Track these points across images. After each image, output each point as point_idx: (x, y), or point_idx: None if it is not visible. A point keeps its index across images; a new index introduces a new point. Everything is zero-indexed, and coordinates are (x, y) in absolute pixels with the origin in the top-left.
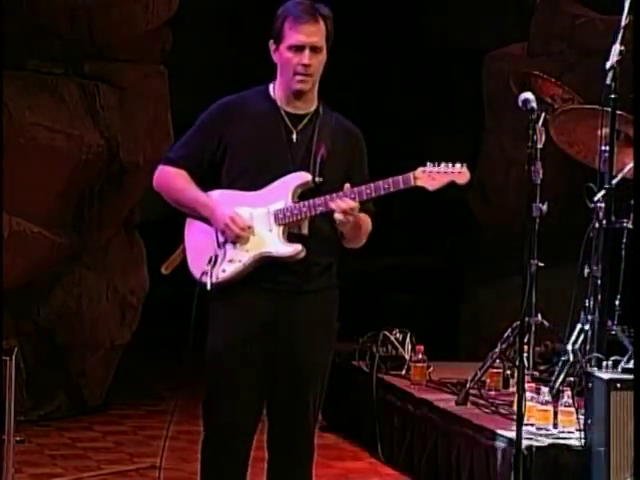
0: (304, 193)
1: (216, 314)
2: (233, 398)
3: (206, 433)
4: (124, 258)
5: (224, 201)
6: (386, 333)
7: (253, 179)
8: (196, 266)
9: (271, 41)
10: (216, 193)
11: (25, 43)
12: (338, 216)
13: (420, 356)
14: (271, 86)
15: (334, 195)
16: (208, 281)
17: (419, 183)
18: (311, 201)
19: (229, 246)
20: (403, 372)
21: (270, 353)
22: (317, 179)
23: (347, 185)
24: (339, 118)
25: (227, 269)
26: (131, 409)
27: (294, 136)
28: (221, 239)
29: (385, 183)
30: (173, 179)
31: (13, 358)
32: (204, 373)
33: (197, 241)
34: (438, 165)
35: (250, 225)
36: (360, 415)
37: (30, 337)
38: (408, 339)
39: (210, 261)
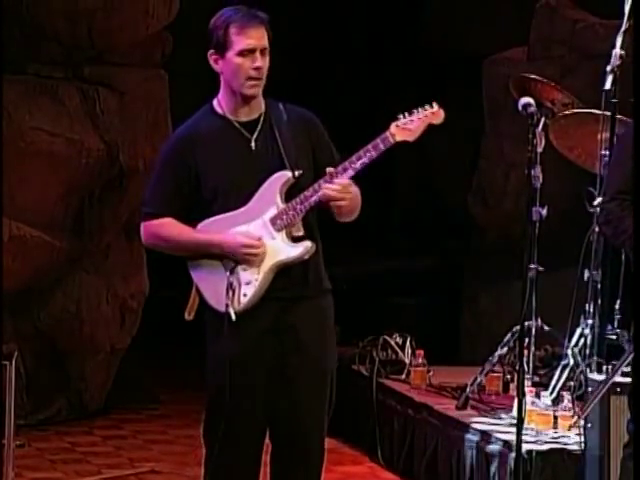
0: (288, 191)
1: (217, 327)
2: (238, 411)
3: (211, 451)
4: (124, 262)
5: (216, 229)
6: (386, 337)
7: (225, 199)
8: (216, 301)
9: (211, 51)
10: (205, 224)
11: (25, 47)
12: (337, 202)
13: (420, 360)
14: (215, 102)
15: (321, 182)
16: (232, 312)
17: (398, 139)
18: (301, 195)
19: (241, 269)
20: (403, 376)
21: (273, 363)
22: (296, 172)
23: (329, 169)
24: (288, 107)
25: (248, 292)
26: (131, 413)
27: (252, 144)
28: (230, 265)
29: (366, 150)
30: (164, 231)
31: (13, 362)
32: (208, 387)
33: (207, 277)
34: (409, 114)
35: (260, 237)
36: (360, 419)
37: (30, 341)
38: (408, 343)
39: (228, 291)
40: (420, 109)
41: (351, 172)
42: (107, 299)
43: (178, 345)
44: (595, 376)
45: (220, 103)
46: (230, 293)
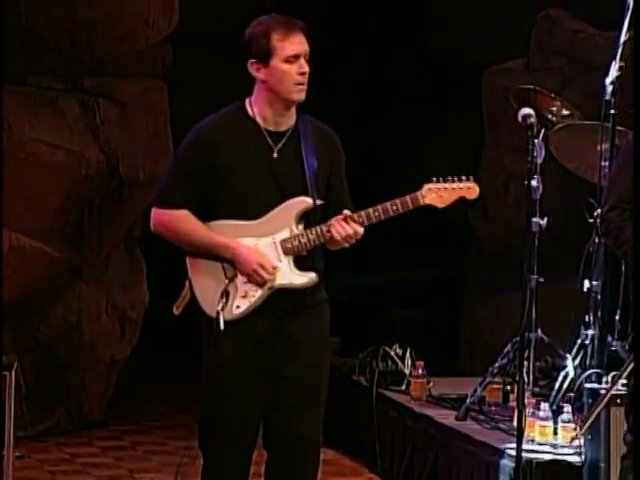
0: (304, 215)
1: (212, 330)
2: (231, 417)
3: (205, 457)
4: (124, 273)
5: (225, 233)
6: (386, 348)
7: (237, 202)
8: (207, 303)
9: (252, 61)
10: (215, 225)
11: (25, 58)
12: (343, 242)
13: (420, 371)
14: (247, 105)
15: (340, 220)
16: (221, 321)
17: (427, 201)
18: (318, 229)
19: (240, 280)
20: (403, 387)
21: (268, 371)
22: (318, 202)
23: (345, 211)
24: (313, 121)
25: (241, 305)
26: (131, 424)
27: (275, 154)
28: (230, 273)
29: (393, 204)
30: (178, 223)
31: (13, 373)
32: (201, 392)
33: (204, 276)
34: (444, 181)
35: (275, 266)
36: (360, 430)
37: (30, 352)
38: (408, 354)
39: (222, 297)
40: (456, 179)
41: (373, 220)
42: (107, 310)
43: (178, 356)
44: (595, 387)
45: (252, 107)
46: (223, 299)
